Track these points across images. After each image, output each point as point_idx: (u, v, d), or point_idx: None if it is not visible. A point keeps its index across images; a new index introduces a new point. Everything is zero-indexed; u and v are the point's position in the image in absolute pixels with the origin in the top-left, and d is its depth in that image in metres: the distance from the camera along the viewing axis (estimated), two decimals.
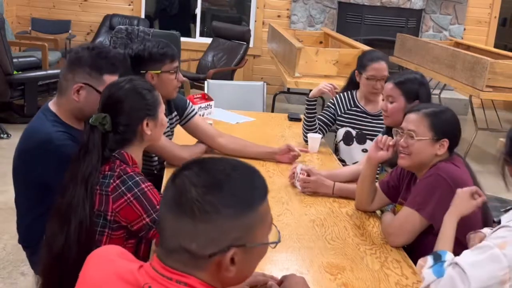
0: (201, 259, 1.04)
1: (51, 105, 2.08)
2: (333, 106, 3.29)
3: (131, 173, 1.76)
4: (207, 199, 1.02)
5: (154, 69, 2.49)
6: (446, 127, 2.09)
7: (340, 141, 3.30)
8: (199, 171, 1.06)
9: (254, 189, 1.09)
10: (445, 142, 2.07)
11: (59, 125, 2.02)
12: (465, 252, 1.66)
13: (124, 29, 5.87)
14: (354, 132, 3.22)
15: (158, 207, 1.71)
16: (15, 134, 5.25)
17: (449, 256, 1.69)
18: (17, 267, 3.05)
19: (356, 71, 3.22)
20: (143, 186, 1.74)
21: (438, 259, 1.69)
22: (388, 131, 2.64)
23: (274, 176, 2.66)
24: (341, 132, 3.28)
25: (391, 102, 2.55)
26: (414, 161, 2.10)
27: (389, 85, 2.57)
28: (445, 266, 1.64)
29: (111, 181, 1.74)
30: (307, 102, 3.21)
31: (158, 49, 2.49)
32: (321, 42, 6.95)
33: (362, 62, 3.15)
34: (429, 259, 1.70)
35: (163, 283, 1.05)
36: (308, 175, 2.48)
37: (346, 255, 1.93)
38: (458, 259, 1.64)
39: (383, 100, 2.63)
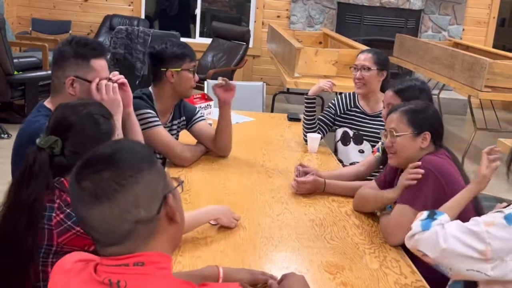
0: (153, 222, 1.10)
1: (47, 103, 2.10)
2: (333, 107, 3.30)
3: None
4: (121, 168, 1.08)
5: (175, 67, 2.61)
6: (425, 120, 2.15)
7: (338, 141, 3.32)
8: (95, 161, 1.10)
9: (143, 145, 1.18)
10: (427, 135, 2.13)
11: None
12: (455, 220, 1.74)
13: (124, 30, 5.88)
14: (351, 133, 3.23)
15: None
16: (16, 134, 5.26)
17: (443, 218, 1.73)
18: None
19: None
20: None
21: (432, 215, 1.74)
22: None
23: (274, 176, 2.68)
24: (339, 132, 3.30)
25: None
26: (401, 158, 2.17)
27: (389, 93, 2.59)
28: (433, 223, 1.70)
29: (53, 214, 1.60)
30: (306, 101, 3.23)
31: (179, 48, 2.61)
32: (320, 43, 6.97)
33: None
34: (424, 213, 1.77)
35: (122, 271, 1.08)
36: (306, 173, 2.51)
37: (345, 254, 1.94)
38: (447, 222, 1.71)
39: (383, 107, 2.65)
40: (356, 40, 6.10)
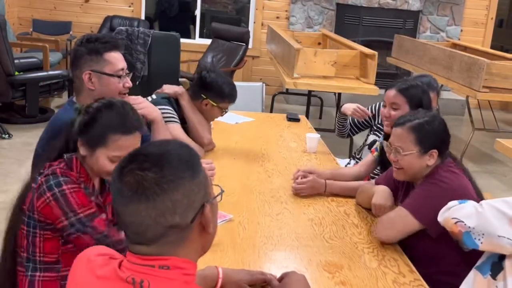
0: (186, 230, 1.11)
1: (75, 99, 2.17)
2: (370, 112, 3.29)
3: (58, 173, 1.70)
4: (165, 172, 1.09)
5: (214, 100, 2.77)
6: (432, 138, 2.09)
7: (366, 144, 3.31)
8: (143, 159, 1.10)
9: (192, 152, 1.17)
10: (434, 153, 2.08)
11: None
12: None
13: (125, 30, 5.89)
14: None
15: (79, 211, 1.68)
16: (16, 135, 5.29)
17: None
18: None
19: None
20: (64, 187, 1.68)
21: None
22: (387, 138, 2.65)
23: (273, 176, 2.70)
24: (370, 138, 3.29)
25: (395, 109, 2.55)
26: (407, 174, 2.13)
27: (392, 92, 2.56)
28: (468, 201, 1.80)
29: (39, 177, 1.70)
30: (340, 116, 3.35)
31: (228, 87, 2.80)
32: (319, 43, 6.99)
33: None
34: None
35: (146, 272, 1.09)
36: (305, 177, 2.51)
37: (344, 253, 1.96)
38: None
39: (384, 106, 2.62)
40: (354, 41, 6.13)
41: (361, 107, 3.24)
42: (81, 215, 1.67)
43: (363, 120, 3.34)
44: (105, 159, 1.74)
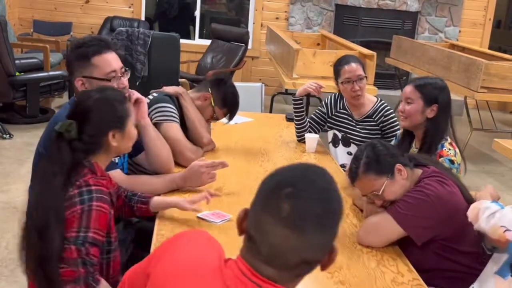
0: (313, 266, 1.08)
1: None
2: (325, 106, 3.35)
3: (92, 186, 1.70)
4: (330, 211, 1.05)
5: (215, 100, 2.85)
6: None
7: (329, 142, 3.38)
8: (309, 186, 1.04)
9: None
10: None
11: None
12: None
13: (125, 31, 5.91)
14: (339, 135, 3.28)
15: (92, 230, 1.66)
16: (17, 135, 5.31)
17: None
18: (19, 266, 3.07)
19: (335, 81, 3.22)
20: (94, 203, 1.68)
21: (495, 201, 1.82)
22: (405, 135, 2.65)
23: None
24: (330, 134, 3.36)
25: (409, 104, 2.53)
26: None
27: (409, 88, 2.55)
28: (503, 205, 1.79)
29: (71, 189, 1.68)
30: (293, 102, 3.29)
31: (232, 101, 2.91)
32: (318, 44, 7.01)
33: (336, 70, 3.18)
34: (485, 202, 1.82)
35: (250, 287, 1.03)
36: None
37: (343, 253, 1.96)
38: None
39: (400, 101, 2.61)
40: (353, 42, 6.16)
41: (313, 81, 3.27)
42: (90, 234, 1.65)
43: (319, 114, 3.35)
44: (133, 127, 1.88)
